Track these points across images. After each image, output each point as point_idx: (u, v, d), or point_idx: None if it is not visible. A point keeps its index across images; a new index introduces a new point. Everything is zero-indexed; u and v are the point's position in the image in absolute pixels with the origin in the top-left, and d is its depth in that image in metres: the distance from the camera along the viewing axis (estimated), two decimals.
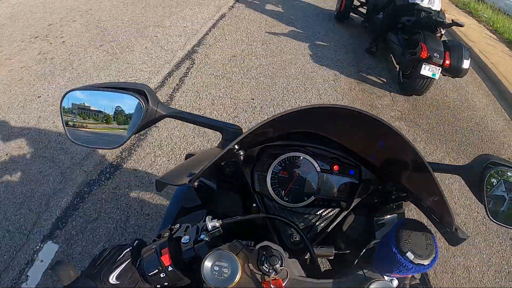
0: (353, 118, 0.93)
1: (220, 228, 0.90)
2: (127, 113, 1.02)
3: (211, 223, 0.89)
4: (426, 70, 4.88)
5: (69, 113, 1.03)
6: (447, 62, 4.87)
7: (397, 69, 5.74)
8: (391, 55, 6.19)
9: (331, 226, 1.16)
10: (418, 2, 5.53)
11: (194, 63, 5.02)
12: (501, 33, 10.41)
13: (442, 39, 5.44)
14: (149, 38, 5.49)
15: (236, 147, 1.00)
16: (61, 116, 1.04)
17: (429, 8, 5.48)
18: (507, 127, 5.24)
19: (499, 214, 1.01)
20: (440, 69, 4.90)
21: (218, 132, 1.13)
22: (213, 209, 1.19)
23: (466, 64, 4.94)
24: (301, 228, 1.07)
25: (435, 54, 4.82)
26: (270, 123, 0.88)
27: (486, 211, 0.98)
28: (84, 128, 1.03)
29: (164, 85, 4.47)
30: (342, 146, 1.15)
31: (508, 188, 1.01)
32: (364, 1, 7.44)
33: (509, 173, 1.01)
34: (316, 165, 1.14)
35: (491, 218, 0.99)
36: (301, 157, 1.15)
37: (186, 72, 4.78)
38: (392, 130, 0.85)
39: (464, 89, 6.02)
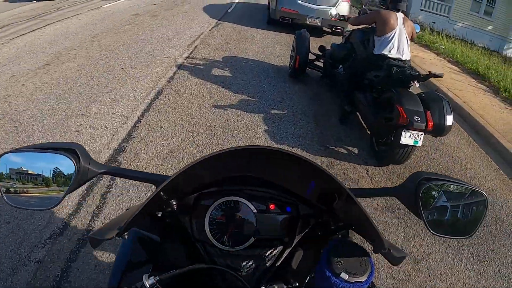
0: (278, 158, 0.99)
1: (157, 284, 0.91)
2: (64, 174, 1.00)
3: (149, 281, 0.90)
4: (407, 138, 3.98)
5: (7, 178, 1.00)
6: (430, 123, 3.94)
7: (369, 135, 4.83)
8: (360, 117, 5.16)
9: (277, 264, 1.17)
10: (386, 54, 4.75)
11: None
12: (462, 64, 10.18)
13: (416, 91, 4.53)
14: (69, 133, 4.24)
15: (166, 196, 1.00)
16: None
17: (399, 59, 4.74)
18: (501, 183, 4.67)
19: (440, 227, 1.05)
20: (423, 134, 4.00)
21: None
22: (159, 263, 1.12)
23: (449, 120, 4.03)
24: (246, 269, 1.13)
25: (415, 118, 3.89)
26: (195, 168, 0.92)
27: (426, 225, 1.02)
28: (25, 193, 1.01)
29: (79, 210, 3.11)
30: (278, 185, 1.15)
31: (443, 200, 1.06)
32: (320, 54, 6.63)
33: (442, 186, 1.06)
34: (252, 207, 1.14)
35: (431, 231, 1.03)
36: (237, 201, 1.15)
37: (108, 186, 3.44)
38: (314, 166, 0.94)
39: (445, 142, 5.31)
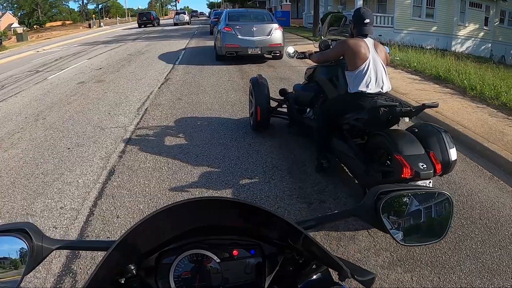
0: (226, 207, 1.00)
1: None
2: (18, 255, 0.92)
3: None
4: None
5: None
6: (438, 167, 3.15)
7: (360, 186, 3.89)
8: (344, 167, 4.36)
9: None
10: (364, 90, 3.89)
11: None
12: (422, 71, 10.11)
13: (417, 125, 3.68)
14: None
15: (123, 261, 0.96)
16: None
17: (379, 93, 3.92)
18: (501, 192, 4.22)
19: (410, 236, 1.03)
20: (432, 180, 3.18)
21: None
22: None
23: (454, 155, 3.34)
24: None
25: (421, 166, 3.08)
26: (146, 227, 0.90)
27: (394, 239, 1.00)
28: None
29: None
30: (237, 229, 1.10)
31: (406, 210, 1.03)
32: (282, 99, 5.85)
33: (402, 196, 1.03)
34: (215, 256, 1.07)
35: (401, 243, 1.02)
36: (198, 253, 1.07)
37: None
38: (255, 207, 0.94)
39: None
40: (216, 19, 18.42)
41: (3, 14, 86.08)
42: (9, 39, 55.49)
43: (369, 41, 4.06)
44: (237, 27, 12.29)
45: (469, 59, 14.78)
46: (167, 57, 15.31)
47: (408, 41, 20.12)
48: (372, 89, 3.91)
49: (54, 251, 1.01)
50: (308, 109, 5.24)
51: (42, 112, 8.00)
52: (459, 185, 4.33)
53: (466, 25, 25.46)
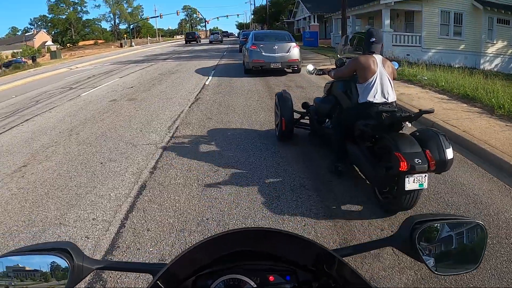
0: (267, 236, 1.05)
1: None
2: (57, 275, 0.96)
3: None
4: (412, 183, 3.68)
5: (5, 277, 0.96)
6: (432, 163, 3.67)
7: (371, 186, 4.37)
8: (358, 170, 4.82)
9: None
10: (371, 100, 4.50)
11: None
12: (449, 91, 9.95)
13: (409, 130, 4.15)
14: None
15: (163, 285, 0.96)
16: None
17: (385, 103, 4.50)
18: None
19: (445, 266, 1.04)
20: (427, 175, 3.73)
21: None
22: None
23: (450, 154, 3.88)
24: None
25: (416, 161, 3.62)
26: (191, 254, 0.97)
27: (429, 269, 1.01)
28: None
29: None
30: (274, 255, 1.10)
31: (441, 239, 1.04)
32: (304, 111, 6.44)
33: (437, 226, 1.05)
34: (251, 282, 1.04)
35: (436, 273, 1.02)
36: (234, 278, 1.05)
37: None
38: (293, 236, 1.01)
39: (457, 182, 4.89)
40: (245, 39, 20.47)
41: (37, 32, 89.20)
42: (43, 56, 57.41)
43: (378, 57, 4.62)
44: (262, 45, 14.49)
45: (498, 77, 14.40)
46: (197, 77, 15.62)
47: (436, 60, 19.90)
48: (378, 99, 4.50)
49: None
50: (327, 120, 5.76)
51: (75, 128, 8.24)
52: (485, 205, 4.26)
53: (495, 42, 25.05)
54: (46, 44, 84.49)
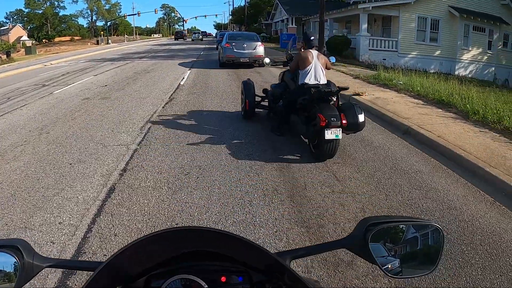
0: (213, 237, 1.01)
1: None
2: (6, 271, 0.93)
3: None
4: (329, 134, 5.35)
5: None
6: (344, 121, 5.47)
7: (307, 143, 6.15)
8: (298, 133, 6.41)
9: None
10: (307, 82, 6.20)
11: None
12: (425, 96, 10.13)
13: (343, 103, 6.18)
14: None
15: (110, 283, 0.95)
16: None
17: (317, 84, 6.11)
18: (502, 217, 4.23)
19: (399, 269, 1.01)
20: (340, 129, 5.42)
21: None
22: None
23: (361, 118, 5.63)
24: None
25: (332, 119, 5.33)
26: (135, 250, 0.93)
27: (383, 272, 0.99)
28: None
29: None
30: (226, 255, 1.08)
31: (395, 242, 1.03)
32: (264, 95, 8.05)
33: (391, 228, 1.03)
34: (202, 282, 1.02)
35: (390, 276, 1.01)
36: (186, 278, 1.03)
37: None
38: (245, 241, 0.97)
39: (432, 188, 4.84)
40: (221, 38, 23.25)
41: (13, 27, 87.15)
42: (18, 51, 55.94)
43: (314, 52, 6.38)
44: (234, 43, 18.05)
45: (472, 83, 14.79)
46: (172, 76, 15.48)
47: (412, 65, 20.31)
48: (312, 81, 6.21)
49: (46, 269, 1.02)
50: (280, 101, 7.24)
51: (46, 126, 8.05)
52: (460, 211, 4.31)
53: (470, 49, 25.64)
54: (21, 39, 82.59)
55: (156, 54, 31.93)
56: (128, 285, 1.04)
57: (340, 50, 23.58)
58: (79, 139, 6.98)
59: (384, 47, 24.35)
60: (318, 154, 5.72)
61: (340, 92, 6.09)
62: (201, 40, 67.17)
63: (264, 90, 8.02)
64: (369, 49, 23.80)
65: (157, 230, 0.95)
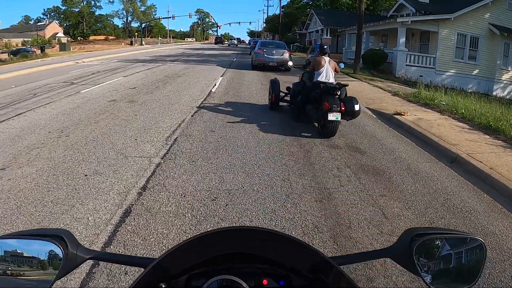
0: (264, 237, 1.04)
1: None
2: (50, 260, 0.95)
3: None
4: (331, 116, 7.10)
5: (3, 260, 0.94)
6: (343, 108, 7.23)
7: (316, 126, 8.07)
8: (311, 119, 8.50)
9: None
10: (320, 80, 7.90)
11: None
12: (470, 119, 9.42)
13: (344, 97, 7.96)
14: None
15: (155, 280, 0.96)
16: None
17: (327, 81, 7.84)
18: None
19: (441, 280, 1.00)
20: (340, 113, 7.16)
21: None
22: None
23: (356, 107, 7.45)
24: None
25: (333, 106, 7.09)
26: (182, 250, 0.97)
27: (425, 282, 0.98)
28: (15, 276, 0.95)
29: None
30: (268, 259, 1.07)
31: (439, 253, 1.02)
32: (287, 92, 9.84)
33: (436, 240, 1.03)
34: (244, 284, 0.99)
35: (431, 287, 0.98)
36: (228, 279, 1.00)
37: None
38: (294, 240, 1.01)
39: (490, 232, 4.14)
40: (254, 45, 27.69)
41: (49, 23, 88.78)
42: (53, 47, 56.88)
43: (326, 58, 8.16)
44: (264, 50, 21.38)
45: None
46: (204, 82, 14.96)
47: (449, 83, 19.53)
48: (323, 80, 7.85)
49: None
50: (299, 96, 8.73)
51: (66, 128, 7.57)
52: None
53: (509, 69, 24.66)
54: (57, 35, 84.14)
55: (188, 58, 31.74)
56: (171, 283, 1.02)
57: (377, 64, 23.08)
58: (99, 146, 6.42)
59: (422, 63, 23.47)
60: (323, 132, 7.61)
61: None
62: (236, 45, 75.00)
63: (287, 88, 9.88)
64: (406, 64, 23.03)
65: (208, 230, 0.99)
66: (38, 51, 42.99)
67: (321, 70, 8.01)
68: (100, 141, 6.72)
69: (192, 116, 9.02)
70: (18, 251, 0.96)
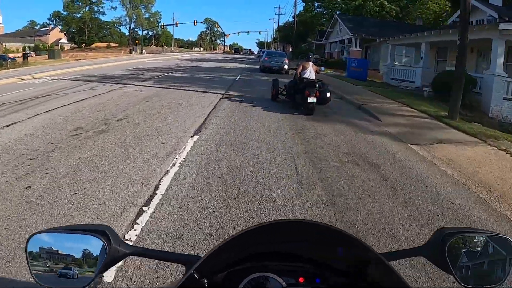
0: (303, 229, 1.07)
1: None
2: (93, 255, 1.00)
3: None
4: (310, 99, 10.95)
5: (38, 258, 0.99)
6: (318, 94, 11.14)
7: (302, 108, 11.46)
8: (299, 104, 11.71)
9: None
10: (305, 76, 11.76)
11: None
12: None
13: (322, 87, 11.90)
14: None
15: (197, 276, 1.00)
16: (28, 261, 0.99)
17: (309, 77, 11.77)
18: None
19: (471, 278, 1.02)
20: (315, 98, 11.05)
21: None
22: None
23: (327, 94, 11.63)
24: None
25: (311, 92, 10.98)
26: (226, 247, 0.99)
27: (457, 280, 1.00)
28: (53, 272, 0.99)
29: None
30: (305, 256, 1.12)
31: (470, 252, 1.04)
32: (284, 88, 13.44)
33: (467, 238, 1.06)
34: (281, 281, 1.05)
35: (463, 285, 1.01)
36: (266, 276, 1.06)
37: None
38: (342, 233, 1.00)
39: None
40: (262, 54, 39.93)
41: (52, 29, 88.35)
42: (47, 54, 54.65)
43: (310, 63, 12.21)
44: (269, 57, 29.66)
45: None
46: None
47: None
48: (307, 76, 11.85)
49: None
50: (292, 91, 12.38)
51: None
52: None
53: None
54: (60, 41, 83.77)
55: (174, 73, 25.08)
56: (213, 278, 1.05)
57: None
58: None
59: None
60: (305, 111, 11.11)
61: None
62: (248, 54, 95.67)
63: (284, 85, 13.45)
64: (504, 98, 15.45)
65: (241, 229, 1.02)
66: (20, 60, 41.04)
67: (306, 70, 11.94)
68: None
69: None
70: (64, 244, 0.99)
